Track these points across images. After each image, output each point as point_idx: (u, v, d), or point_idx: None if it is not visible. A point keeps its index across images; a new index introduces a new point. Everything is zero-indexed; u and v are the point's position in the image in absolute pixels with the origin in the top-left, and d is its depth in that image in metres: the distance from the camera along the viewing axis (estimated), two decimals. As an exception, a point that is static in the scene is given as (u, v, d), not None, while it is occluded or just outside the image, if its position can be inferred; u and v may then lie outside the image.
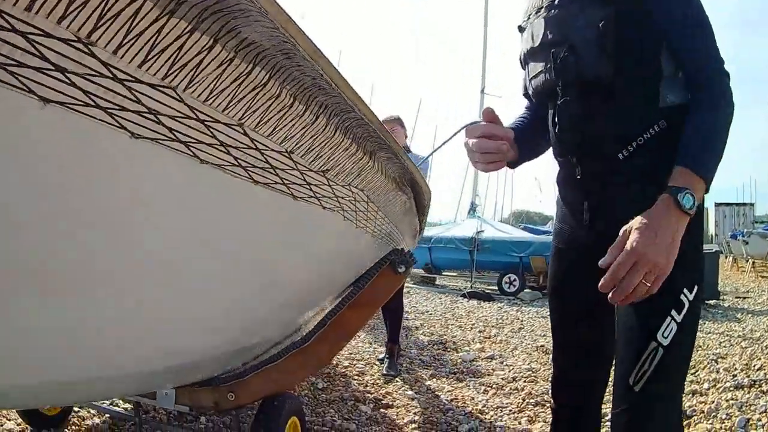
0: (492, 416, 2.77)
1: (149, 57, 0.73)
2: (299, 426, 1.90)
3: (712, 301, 6.96)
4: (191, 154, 0.89)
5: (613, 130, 1.15)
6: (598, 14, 1.10)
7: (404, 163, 1.47)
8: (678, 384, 1.14)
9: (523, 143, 1.33)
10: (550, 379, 1.44)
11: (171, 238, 1.00)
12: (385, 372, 3.64)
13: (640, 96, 1.13)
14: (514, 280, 8.24)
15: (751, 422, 2.60)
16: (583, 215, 1.23)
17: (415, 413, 2.80)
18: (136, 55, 0.71)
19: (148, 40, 0.70)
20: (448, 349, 4.37)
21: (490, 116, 1.24)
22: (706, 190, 1.06)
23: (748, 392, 3.02)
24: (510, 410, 2.84)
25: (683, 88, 1.12)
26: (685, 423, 2.51)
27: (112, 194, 0.86)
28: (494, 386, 3.27)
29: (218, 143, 0.91)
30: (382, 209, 1.61)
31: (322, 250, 1.55)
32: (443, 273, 10.61)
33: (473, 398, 3.06)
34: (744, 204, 30.82)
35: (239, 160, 0.97)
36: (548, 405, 2.92)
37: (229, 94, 0.84)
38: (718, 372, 3.47)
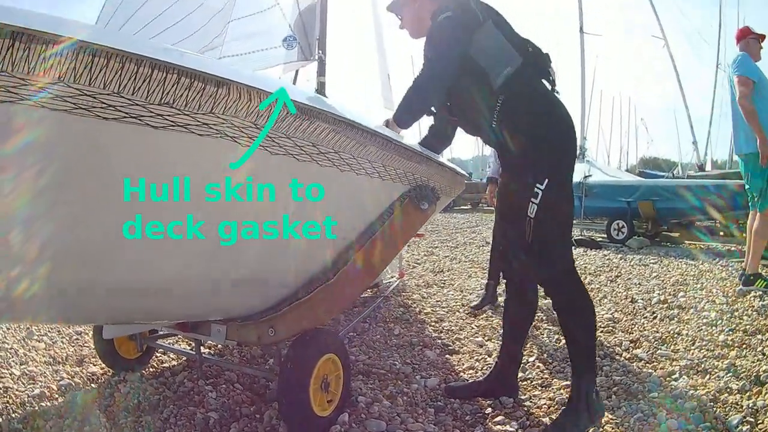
0: (549, 366, 2.74)
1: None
2: (339, 364, 2.00)
3: None
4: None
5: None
6: None
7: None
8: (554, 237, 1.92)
9: None
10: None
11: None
12: (471, 306, 4.07)
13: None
14: (623, 226, 7.64)
15: None
16: None
17: (477, 359, 2.84)
18: None
19: None
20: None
21: None
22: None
23: None
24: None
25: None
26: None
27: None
28: (569, 335, 3.18)
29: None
30: (369, 157, 1.76)
31: (331, 197, 1.71)
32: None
33: (542, 346, 3.03)
34: None
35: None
36: (620, 357, 2.81)
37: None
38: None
